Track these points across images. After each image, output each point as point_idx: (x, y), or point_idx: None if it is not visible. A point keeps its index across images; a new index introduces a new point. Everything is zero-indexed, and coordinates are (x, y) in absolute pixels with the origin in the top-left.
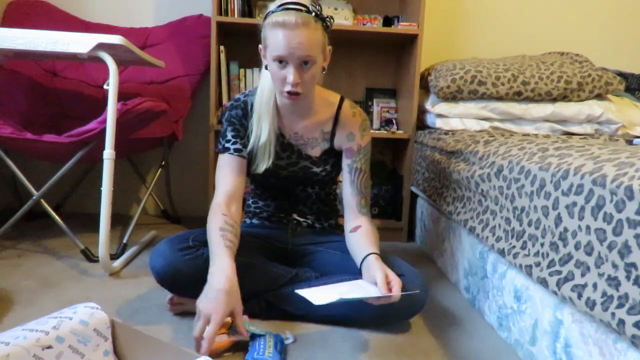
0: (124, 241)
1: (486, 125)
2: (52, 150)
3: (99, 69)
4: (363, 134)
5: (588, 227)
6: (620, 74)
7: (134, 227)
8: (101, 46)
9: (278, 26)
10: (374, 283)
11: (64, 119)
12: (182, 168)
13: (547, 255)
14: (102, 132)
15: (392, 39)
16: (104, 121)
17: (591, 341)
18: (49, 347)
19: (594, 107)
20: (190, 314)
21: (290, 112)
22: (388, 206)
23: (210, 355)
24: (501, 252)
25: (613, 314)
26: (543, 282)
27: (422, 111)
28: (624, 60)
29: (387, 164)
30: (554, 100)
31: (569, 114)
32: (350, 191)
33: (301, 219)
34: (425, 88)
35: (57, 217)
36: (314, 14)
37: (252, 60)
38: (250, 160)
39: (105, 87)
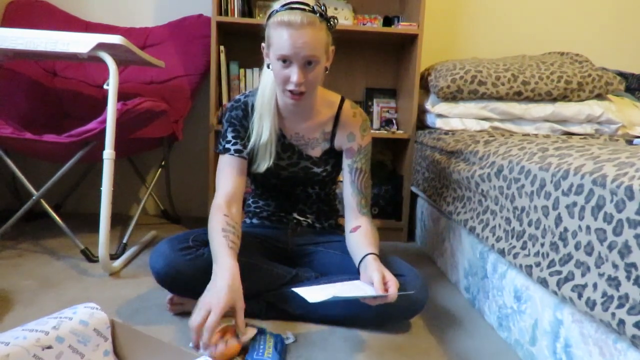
0: (124, 241)
1: (486, 125)
2: (52, 150)
3: (99, 69)
4: (363, 134)
5: (588, 227)
6: (620, 74)
7: (134, 227)
8: (101, 46)
9: (283, 25)
10: (371, 283)
11: (64, 119)
12: (182, 168)
13: (547, 255)
14: (102, 132)
15: (392, 39)
16: (104, 121)
17: (591, 341)
18: (49, 347)
19: (594, 107)
20: (190, 314)
21: (292, 112)
22: (388, 206)
23: None
24: (501, 252)
25: (613, 314)
26: (543, 282)
27: (422, 111)
28: (624, 60)
29: (387, 164)
30: (554, 100)
31: (569, 114)
32: (350, 191)
33: (301, 219)
34: (425, 88)
35: (57, 217)
36: (318, 14)
37: (252, 60)
38: (251, 159)
39: (105, 87)
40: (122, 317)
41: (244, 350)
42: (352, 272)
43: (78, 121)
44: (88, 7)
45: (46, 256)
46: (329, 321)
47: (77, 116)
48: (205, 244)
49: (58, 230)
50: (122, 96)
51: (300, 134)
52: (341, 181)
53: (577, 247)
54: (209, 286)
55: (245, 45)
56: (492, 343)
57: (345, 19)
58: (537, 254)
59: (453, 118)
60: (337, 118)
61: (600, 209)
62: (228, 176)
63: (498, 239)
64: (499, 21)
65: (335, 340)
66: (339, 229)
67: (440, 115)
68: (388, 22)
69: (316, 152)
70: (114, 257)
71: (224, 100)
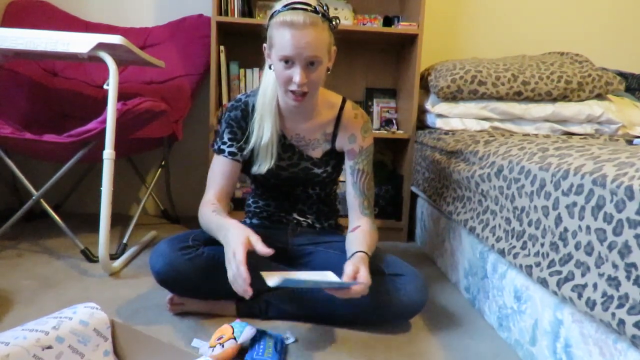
0: (124, 241)
1: (486, 125)
2: (52, 150)
3: (99, 69)
4: (365, 136)
5: (588, 227)
6: (620, 74)
7: (134, 227)
8: (101, 46)
9: (286, 26)
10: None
11: (64, 119)
12: (182, 168)
13: (547, 255)
14: (102, 132)
15: (392, 39)
16: (104, 121)
17: (591, 341)
18: (49, 347)
19: (594, 107)
20: (190, 314)
21: (293, 113)
22: (388, 206)
23: None
24: (501, 252)
25: (613, 314)
26: (543, 282)
27: (422, 111)
28: (624, 60)
29: (387, 164)
30: (554, 100)
31: (569, 114)
32: (352, 193)
33: (301, 219)
34: (425, 88)
35: (57, 217)
36: (321, 14)
37: (252, 60)
38: (252, 160)
39: (105, 87)
40: (122, 317)
41: (244, 350)
42: None
43: (78, 121)
44: (88, 7)
45: (46, 256)
46: (329, 321)
47: (77, 116)
48: (205, 243)
49: (58, 230)
50: (122, 96)
51: (301, 134)
52: (342, 181)
53: (577, 247)
54: (224, 245)
55: (245, 45)
56: (492, 343)
57: (345, 19)
58: (537, 254)
59: (453, 118)
60: (338, 119)
61: (600, 209)
62: (218, 178)
63: (498, 239)
64: (499, 21)
65: (335, 340)
66: (339, 229)
67: (440, 115)
68: (388, 22)
69: (317, 153)
70: (114, 257)
71: (224, 100)
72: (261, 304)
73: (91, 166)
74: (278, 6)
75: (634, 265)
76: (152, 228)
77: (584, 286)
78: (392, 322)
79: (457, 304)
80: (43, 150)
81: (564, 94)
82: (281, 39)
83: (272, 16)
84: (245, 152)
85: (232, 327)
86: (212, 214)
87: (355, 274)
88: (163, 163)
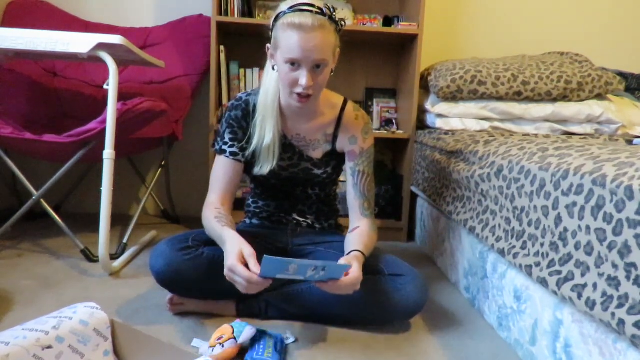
0: (124, 241)
1: (486, 125)
2: (52, 150)
3: (99, 69)
4: (365, 137)
5: (588, 227)
6: (620, 74)
7: (134, 227)
8: (101, 46)
9: (293, 28)
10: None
11: (64, 119)
12: (182, 168)
13: (547, 255)
14: (102, 132)
15: (392, 39)
16: (104, 121)
17: (591, 341)
18: (49, 347)
19: (594, 107)
20: (190, 314)
21: (296, 113)
22: (388, 206)
23: None
24: (501, 252)
25: (613, 314)
26: (543, 282)
27: (422, 111)
28: (624, 60)
29: (387, 164)
30: (554, 100)
31: (569, 114)
32: (353, 194)
33: (301, 219)
34: (425, 88)
35: (57, 217)
36: (328, 16)
37: (252, 60)
38: (253, 161)
39: (105, 87)
40: (122, 317)
41: (244, 350)
42: None
43: (78, 121)
44: (88, 7)
45: (46, 256)
46: (329, 321)
47: (77, 116)
48: (205, 243)
49: (58, 230)
50: (122, 96)
51: (301, 135)
52: (342, 181)
53: (577, 247)
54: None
55: (245, 45)
56: (492, 343)
57: (345, 19)
58: (537, 254)
59: (453, 118)
60: (339, 120)
61: (600, 209)
62: (221, 178)
63: (498, 239)
64: (499, 21)
65: (335, 340)
66: (339, 230)
67: (440, 115)
68: (388, 22)
69: (317, 153)
70: (114, 257)
71: (224, 100)
72: (261, 304)
73: (91, 166)
74: (284, 7)
75: (633, 265)
76: (152, 228)
77: (584, 286)
78: (392, 322)
79: (457, 304)
80: (43, 150)
81: (564, 94)
82: (288, 41)
83: (277, 17)
84: (246, 153)
85: (232, 327)
86: (213, 221)
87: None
88: (163, 163)
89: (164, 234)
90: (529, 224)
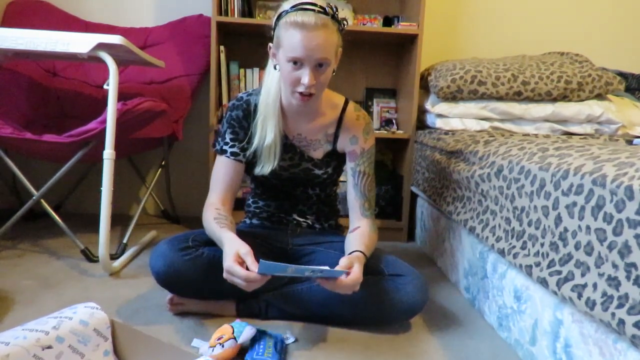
0: (124, 241)
1: (486, 125)
2: (52, 150)
3: (99, 69)
4: (366, 137)
5: (588, 227)
6: (620, 74)
7: (134, 227)
8: (101, 46)
9: (296, 26)
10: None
11: (64, 119)
12: (182, 168)
13: (547, 255)
14: (102, 132)
15: (392, 39)
16: (104, 121)
17: (591, 341)
18: (49, 347)
19: (594, 107)
20: (190, 314)
21: (297, 113)
22: (388, 206)
23: None
24: (501, 252)
25: (613, 314)
26: (543, 282)
27: (422, 111)
28: (624, 60)
29: (387, 164)
30: (554, 100)
31: (569, 114)
32: (354, 194)
33: (301, 219)
34: (425, 88)
35: (57, 217)
36: (330, 15)
37: (252, 60)
38: (254, 161)
39: (105, 87)
40: (122, 317)
41: (244, 350)
42: None
43: (78, 121)
44: (88, 7)
45: (46, 256)
46: (329, 321)
47: (77, 116)
48: (205, 244)
49: (58, 230)
50: (122, 96)
51: (302, 135)
52: (343, 181)
53: (577, 247)
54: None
55: (245, 45)
56: (491, 343)
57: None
58: (537, 254)
59: (453, 118)
60: (340, 120)
61: (600, 209)
62: (222, 179)
63: (498, 239)
64: (499, 21)
65: (335, 340)
66: (339, 230)
67: (440, 115)
68: (388, 22)
69: (318, 153)
70: (114, 257)
71: (224, 100)
72: (261, 304)
73: (91, 166)
74: (286, 6)
75: (633, 265)
76: (152, 228)
77: (584, 286)
78: (392, 322)
79: (457, 304)
80: (43, 150)
81: (564, 94)
82: (290, 39)
83: (280, 16)
84: (247, 153)
85: (232, 327)
86: (213, 222)
87: (349, 268)
88: (163, 163)
89: (164, 234)
90: (529, 224)
